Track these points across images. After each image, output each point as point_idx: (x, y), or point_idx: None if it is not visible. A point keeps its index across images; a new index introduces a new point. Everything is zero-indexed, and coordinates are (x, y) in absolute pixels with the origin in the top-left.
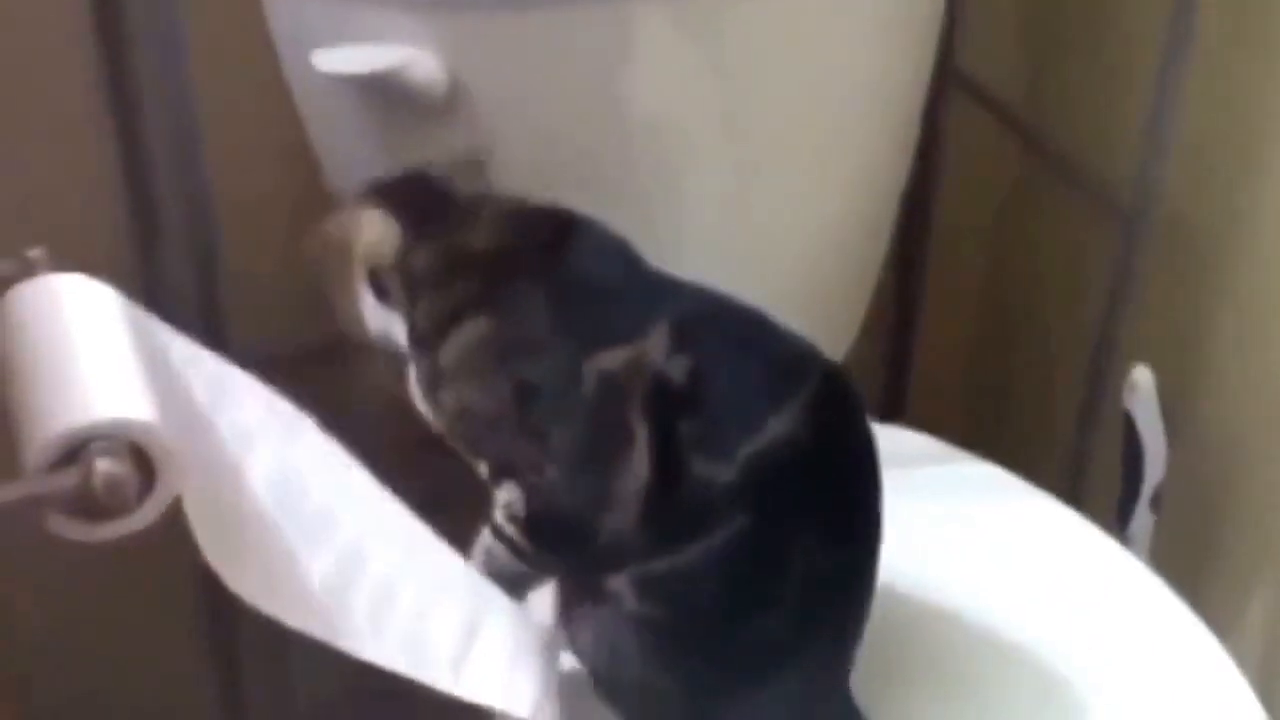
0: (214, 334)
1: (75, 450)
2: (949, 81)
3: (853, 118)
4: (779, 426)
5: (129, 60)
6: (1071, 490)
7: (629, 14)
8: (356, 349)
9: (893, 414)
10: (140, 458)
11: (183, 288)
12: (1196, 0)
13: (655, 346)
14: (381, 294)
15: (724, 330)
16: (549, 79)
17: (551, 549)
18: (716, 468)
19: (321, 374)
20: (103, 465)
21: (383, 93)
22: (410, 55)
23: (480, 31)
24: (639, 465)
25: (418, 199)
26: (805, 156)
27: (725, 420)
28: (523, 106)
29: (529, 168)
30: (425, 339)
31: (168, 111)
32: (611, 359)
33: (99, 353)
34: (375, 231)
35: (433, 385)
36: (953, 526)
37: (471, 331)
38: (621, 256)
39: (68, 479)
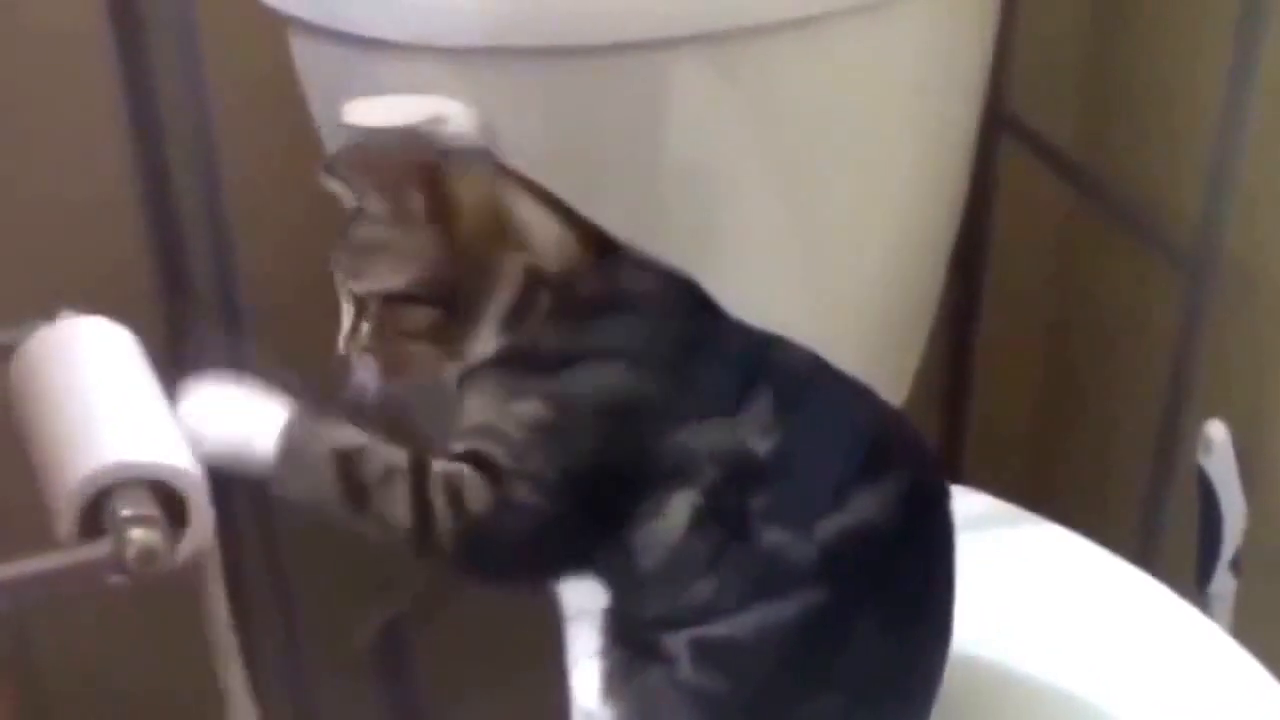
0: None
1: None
2: (1000, 127)
3: (900, 164)
4: (864, 507)
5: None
6: (1142, 554)
7: (667, 62)
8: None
9: (949, 473)
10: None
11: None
12: (1261, 41)
13: (752, 421)
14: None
15: (822, 401)
16: (585, 129)
17: (482, 555)
18: (792, 540)
19: None
20: (136, 534)
21: (414, 143)
22: (441, 106)
23: (514, 81)
24: (675, 525)
25: (574, 214)
26: (851, 204)
27: (808, 493)
28: (558, 157)
29: None
30: (546, 360)
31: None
32: (709, 437)
33: (123, 396)
34: (549, 236)
35: (516, 396)
36: (1019, 593)
37: (606, 374)
38: (727, 317)
39: (101, 549)
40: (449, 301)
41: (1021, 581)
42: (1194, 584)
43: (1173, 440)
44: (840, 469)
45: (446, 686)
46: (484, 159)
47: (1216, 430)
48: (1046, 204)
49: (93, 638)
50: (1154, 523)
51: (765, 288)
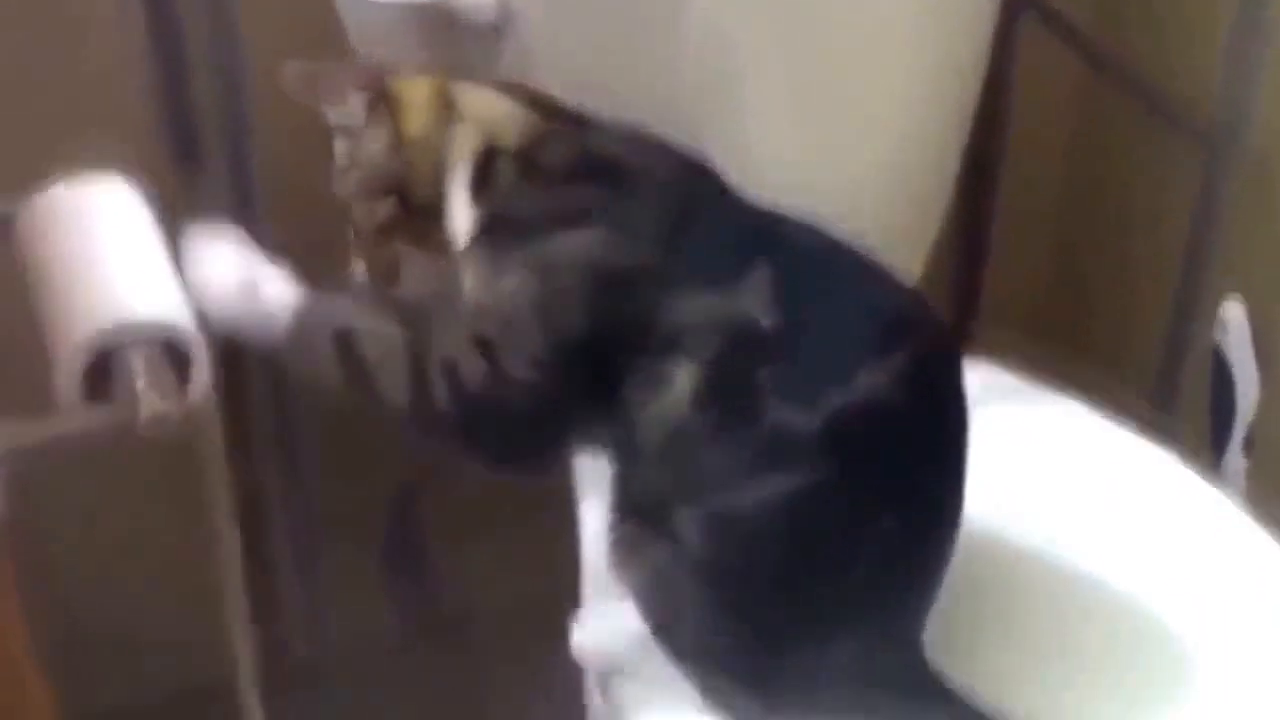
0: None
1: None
2: (1020, 5)
3: (920, 39)
4: (871, 383)
5: None
6: (1157, 432)
7: None
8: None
9: (962, 349)
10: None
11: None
12: None
13: (752, 295)
14: (482, 174)
15: (829, 277)
16: None
17: (483, 434)
18: (798, 414)
19: None
20: (149, 399)
21: (432, 18)
22: None
23: None
24: (677, 399)
25: (541, 96)
26: (870, 76)
27: (813, 369)
28: (572, 24)
29: (579, 88)
30: (521, 227)
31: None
32: (706, 309)
33: (127, 254)
34: (501, 112)
35: (501, 271)
36: (1032, 466)
37: (585, 239)
38: (733, 193)
39: (113, 413)
40: (404, 189)
41: (1035, 455)
42: (1207, 463)
43: (1188, 319)
44: (850, 345)
45: (455, 544)
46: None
47: (1233, 310)
48: (1065, 82)
49: (90, 491)
50: (1168, 400)
51: (777, 156)
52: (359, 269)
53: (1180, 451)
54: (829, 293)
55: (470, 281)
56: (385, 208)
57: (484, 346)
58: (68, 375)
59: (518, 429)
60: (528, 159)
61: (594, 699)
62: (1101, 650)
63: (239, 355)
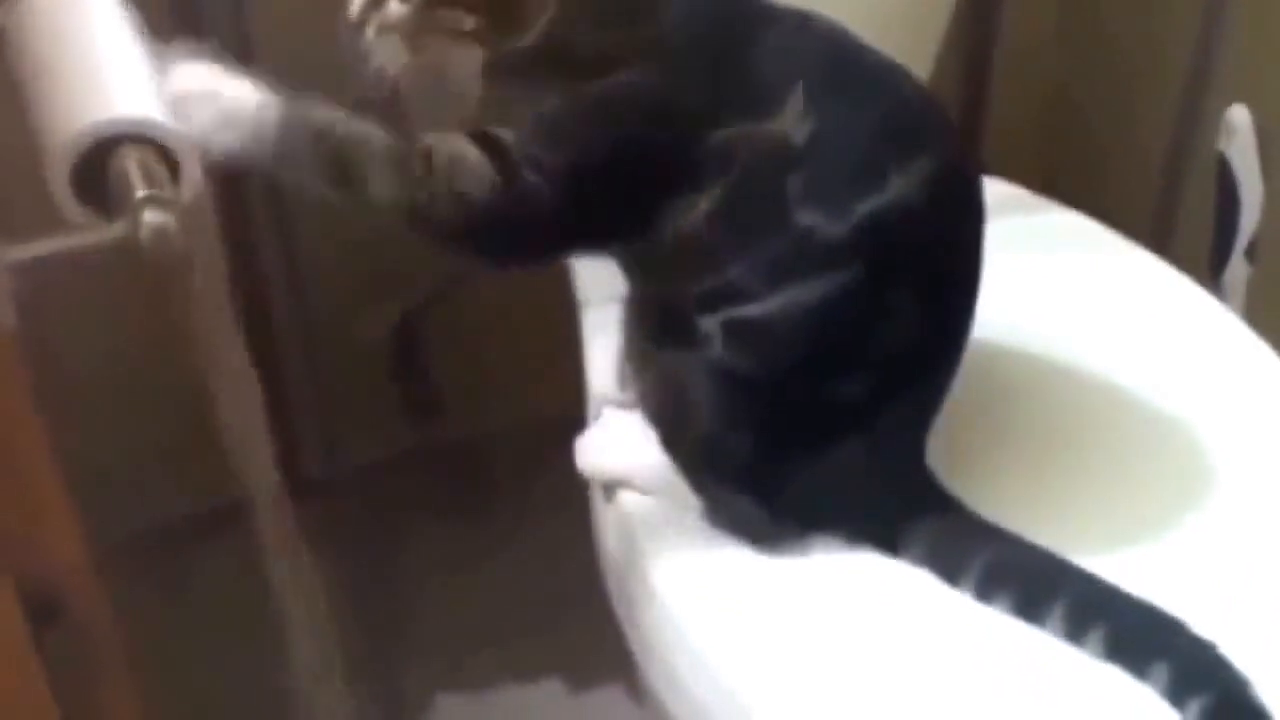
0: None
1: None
2: None
3: None
4: (898, 187)
5: None
6: (1159, 240)
7: None
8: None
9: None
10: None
11: None
12: None
13: (789, 115)
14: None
15: (856, 84)
16: None
17: (485, 238)
18: (827, 221)
19: None
20: (150, 217)
21: None
22: None
23: None
24: (711, 205)
25: None
26: None
27: (843, 175)
28: None
29: None
30: (581, 64)
31: None
32: (741, 133)
33: (109, 58)
34: None
35: (539, 89)
36: (1035, 277)
37: (642, 80)
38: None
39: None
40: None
41: (1039, 265)
42: (1208, 271)
43: (1193, 124)
44: (875, 150)
45: (459, 378)
46: None
47: (1239, 115)
48: None
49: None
50: (1172, 209)
51: None
52: (384, 45)
53: (1181, 263)
54: (855, 100)
55: (499, 90)
56: (472, 21)
57: (495, 150)
58: (58, 183)
59: (520, 235)
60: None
61: (600, 513)
62: (1098, 460)
63: (239, 181)
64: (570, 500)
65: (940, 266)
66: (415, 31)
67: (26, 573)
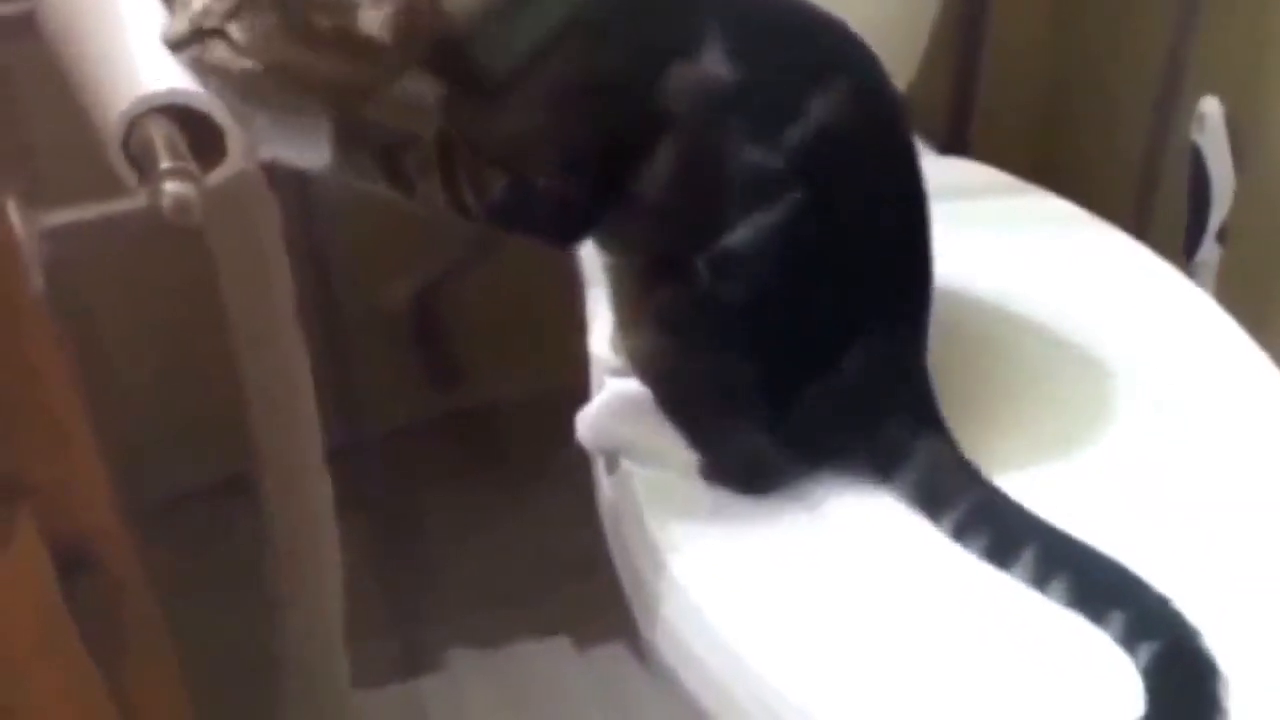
0: None
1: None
2: None
3: None
4: (822, 109)
5: None
6: (1137, 224)
7: None
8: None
9: (956, 147)
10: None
11: None
12: None
13: (710, 53)
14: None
15: (767, 23)
16: None
17: (511, 224)
18: (766, 152)
19: None
20: (172, 188)
21: None
22: None
23: None
24: (665, 159)
25: None
26: None
27: (772, 107)
28: None
29: None
30: (503, 79)
31: None
32: (676, 80)
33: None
34: None
35: (497, 118)
36: (1018, 258)
37: (565, 60)
38: None
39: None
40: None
41: (1020, 248)
42: (1183, 253)
43: (1168, 115)
44: (796, 79)
45: (477, 349)
46: None
47: (1210, 105)
48: None
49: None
50: (1149, 195)
51: None
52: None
53: (1156, 245)
54: (769, 34)
55: (466, 127)
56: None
57: (496, 162)
58: (114, 158)
59: (545, 224)
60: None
61: (602, 481)
62: (1071, 424)
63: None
64: (583, 466)
65: (880, 174)
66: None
67: (57, 524)
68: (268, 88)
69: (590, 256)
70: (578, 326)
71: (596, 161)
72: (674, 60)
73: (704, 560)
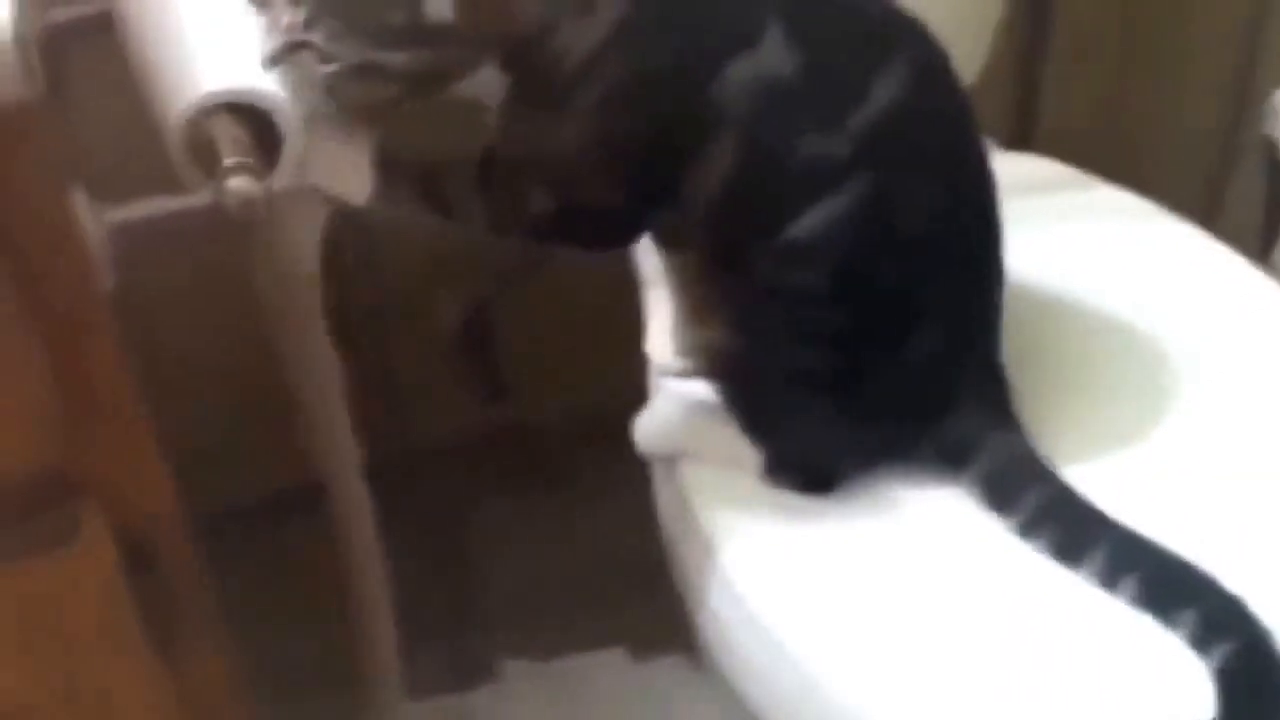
0: None
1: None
2: None
3: None
4: (884, 91)
5: None
6: (1208, 219)
7: None
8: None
9: (1021, 144)
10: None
11: None
12: None
13: (770, 49)
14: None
15: (826, 9)
16: None
17: (555, 241)
18: (829, 140)
19: None
20: (235, 184)
21: None
22: None
23: None
24: (725, 154)
25: None
26: None
27: (834, 94)
28: None
29: None
30: (559, 75)
31: None
32: (735, 78)
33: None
34: None
35: (554, 123)
36: (1089, 253)
37: (620, 64)
38: None
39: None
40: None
41: (1090, 242)
42: (1259, 252)
43: (1240, 109)
44: (858, 62)
45: (529, 363)
46: None
47: None
48: None
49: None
50: (1222, 189)
51: None
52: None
53: (1229, 242)
54: (829, 20)
55: (519, 131)
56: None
57: (542, 182)
58: (175, 154)
59: (592, 233)
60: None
61: (660, 488)
62: (1145, 420)
63: None
64: (631, 480)
65: (946, 157)
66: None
67: (121, 518)
68: (353, 90)
69: (646, 257)
70: (626, 342)
71: (650, 163)
72: (731, 56)
73: (763, 562)
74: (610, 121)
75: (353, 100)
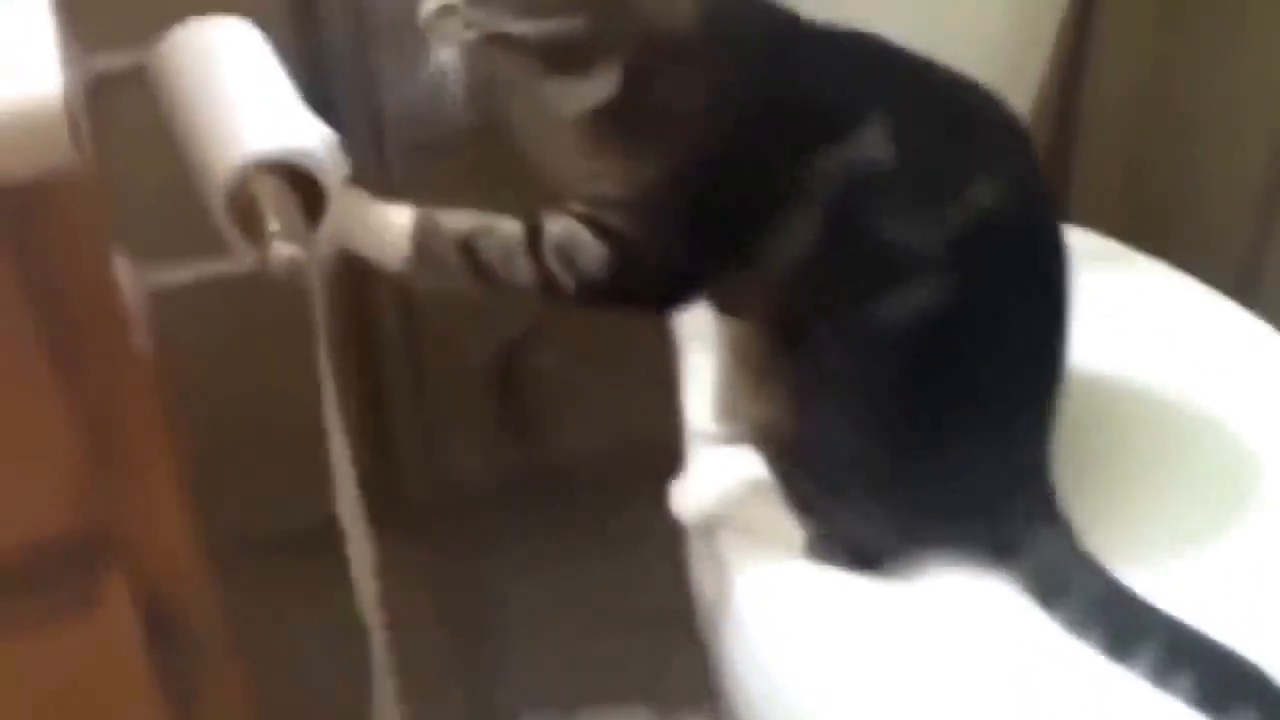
0: None
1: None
2: None
3: None
4: (982, 194)
5: None
6: (1245, 293)
7: None
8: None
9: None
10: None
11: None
12: None
13: (871, 137)
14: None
15: (934, 99)
16: None
17: (605, 302)
18: (917, 232)
19: None
20: (280, 249)
21: None
22: None
23: None
24: (804, 231)
25: None
26: None
27: (930, 188)
28: None
29: None
30: (660, 118)
31: None
32: (829, 159)
33: (256, 88)
34: None
35: (633, 156)
36: (1132, 336)
37: (718, 120)
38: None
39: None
40: (555, 57)
41: (1129, 318)
42: None
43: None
44: (958, 163)
45: (559, 403)
46: None
47: None
48: None
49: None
50: (1259, 262)
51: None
52: (445, 48)
53: (1266, 315)
54: (936, 116)
55: (595, 152)
56: (527, 62)
57: (608, 235)
58: (218, 213)
59: (641, 294)
60: (676, 50)
61: (696, 555)
62: (1192, 504)
63: None
64: (657, 527)
65: (1028, 266)
66: (474, 52)
67: (146, 584)
68: (492, 59)
69: (686, 319)
70: (657, 385)
71: (725, 225)
72: (831, 136)
73: (799, 641)
74: (695, 174)
75: (484, 70)
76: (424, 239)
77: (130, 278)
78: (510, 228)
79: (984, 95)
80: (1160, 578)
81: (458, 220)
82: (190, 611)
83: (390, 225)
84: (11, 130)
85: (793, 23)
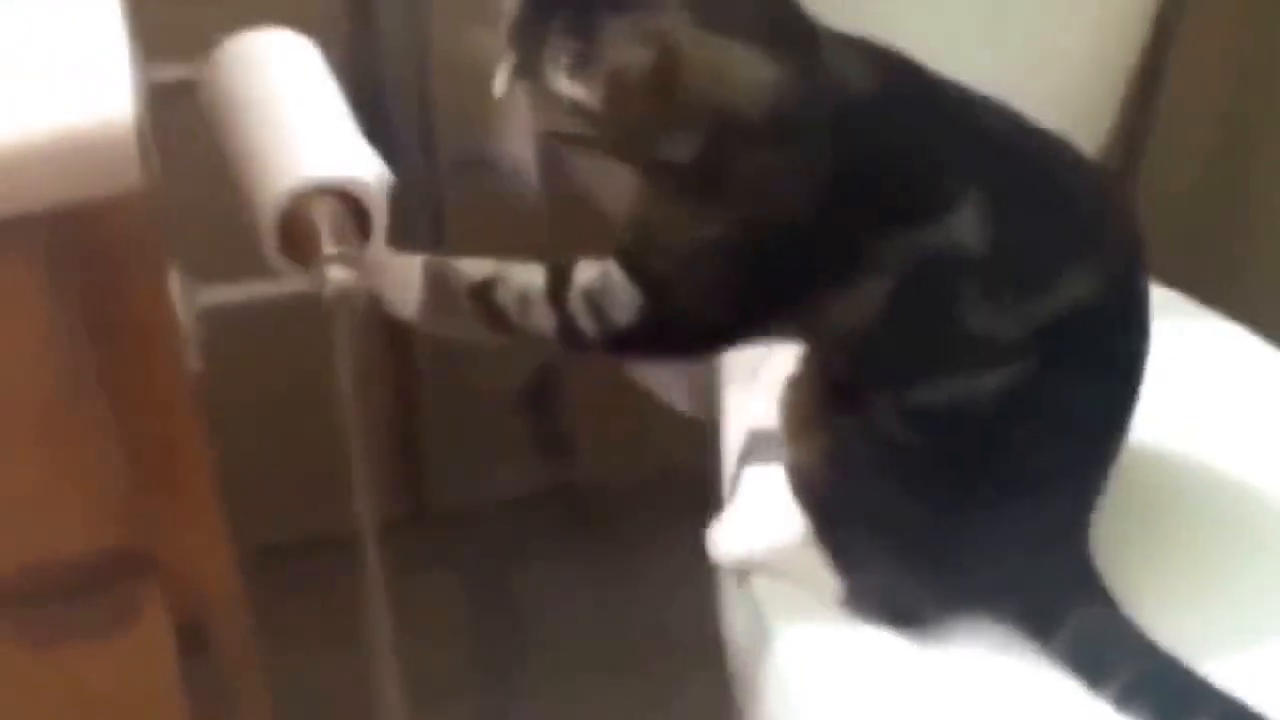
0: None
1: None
2: None
3: None
4: (1074, 286)
5: None
6: None
7: None
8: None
9: None
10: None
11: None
12: None
13: (963, 223)
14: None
15: (1036, 181)
16: None
17: (632, 353)
18: (1000, 319)
19: None
20: (335, 274)
21: None
22: None
23: None
24: (874, 299)
25: (786, 29)
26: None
27: (1020, 276)
28: None
29: None
30: (736, 188)
31: None
32: (913, 238)
33: (309, 108)
34: (748, 73)
35: (697, 217)
36: (1194, 385)
37: (797, 198)
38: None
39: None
40: (615, 149)
41: (1197, 376)
42: None
43: None
44: (1050, 251)
45: (590, 425)
46: None
47: None
48: None
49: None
50: None
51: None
52: (516, 134)
53: None
54: (1034, 197)
55: (652, 201)
56: (587, 153)
57: (644, 278)
58: (264, 237)
59: (676, 343)
60: (762, 127)
61: (729, 598)
62: (1256, 573)
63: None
64: (687, 548)
65: (1107, 359)
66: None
67: (181, 600)
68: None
69: (727, 363)
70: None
71: (782, 287)
72: (919, 220)
73: (833, 693)
74: (761, 246)
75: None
76: (435, 285)
77: (182, 296)
78: (527, 275)
79: (1086, 169)
80: (1222, 664)
81: (471, 267)
82: (223, 631)
83: (401, 271)
84: (87, 152)
85: (892, 90)
